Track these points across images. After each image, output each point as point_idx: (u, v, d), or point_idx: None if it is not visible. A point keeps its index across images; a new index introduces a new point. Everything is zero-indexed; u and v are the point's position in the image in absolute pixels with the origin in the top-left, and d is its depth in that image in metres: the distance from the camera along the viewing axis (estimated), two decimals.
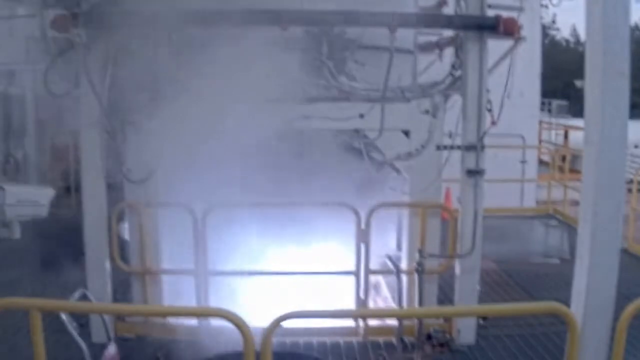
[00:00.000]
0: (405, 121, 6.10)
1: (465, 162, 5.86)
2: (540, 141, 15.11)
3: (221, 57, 5.20)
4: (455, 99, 6.07)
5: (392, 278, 6.13)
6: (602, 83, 4.21)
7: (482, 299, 6.38)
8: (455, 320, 6.03)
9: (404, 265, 6.42)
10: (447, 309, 5.75)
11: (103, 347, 4.91)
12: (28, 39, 8.72)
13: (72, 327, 4.24)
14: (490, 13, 5.67)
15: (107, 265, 5.98)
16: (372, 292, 6.72)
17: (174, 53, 5.51)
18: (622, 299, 3.99)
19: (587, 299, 4.35)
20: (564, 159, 13.72)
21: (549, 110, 25.68)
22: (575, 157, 13.34)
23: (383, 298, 7.42)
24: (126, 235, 6.51)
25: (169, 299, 6.37)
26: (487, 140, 5.90)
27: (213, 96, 5.10)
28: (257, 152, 5.62)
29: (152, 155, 5.65)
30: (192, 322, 6.16)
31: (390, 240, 7.59)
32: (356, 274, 6.19)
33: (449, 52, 6.15)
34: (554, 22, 46.33)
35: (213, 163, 5.55)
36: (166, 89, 5.38)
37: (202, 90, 5.15)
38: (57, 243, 7.37)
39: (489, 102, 5.78)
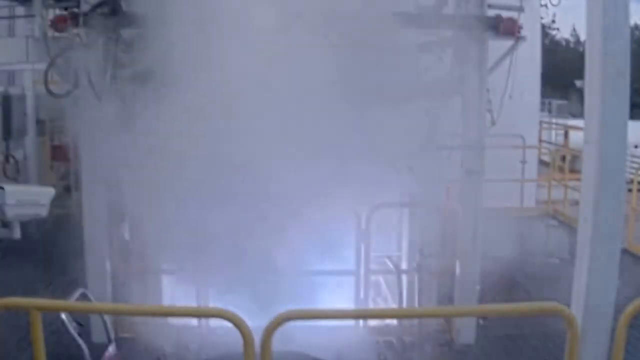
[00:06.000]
0: (406, 121, 6.09)
1: (465, 162, 5.86)
2: (540, 141, 15.07)
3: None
4: (455, 99, 6.07)
5: (392, 278, 6.12)
6: (602, 83, 4.22)
7: (482, 299, 6.37)
8: (455, 320, 6.03)
9: (404, 265, 6.42)
10: (447, 309, 5.74)
11: (103, 347, 4.91)
12: (28, 39, 8.72)
13: (72, 327, 4.24)
14: (490, 13, 5.67)
15: (107, 265, 5.98)
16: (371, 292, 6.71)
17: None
18: (622, 299, 3.98)
19: (587, 299, 4.35)
20: (564, 159, 13.69)
21: (549, 110, 25.65)
22: (575, 157, 13.31)
23: (383, 298, 7.41)
24: (126, 236, 6.50)
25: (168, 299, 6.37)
26: (487, 140, 5.90)
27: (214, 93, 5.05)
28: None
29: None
30: (192, 322, 6.15)
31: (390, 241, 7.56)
32: (356, 274, 6.19)
33: (449, 52, 6.15)
34: (554, 22, 46.24)
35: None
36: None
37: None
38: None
39: (489, 102, 5.79)
